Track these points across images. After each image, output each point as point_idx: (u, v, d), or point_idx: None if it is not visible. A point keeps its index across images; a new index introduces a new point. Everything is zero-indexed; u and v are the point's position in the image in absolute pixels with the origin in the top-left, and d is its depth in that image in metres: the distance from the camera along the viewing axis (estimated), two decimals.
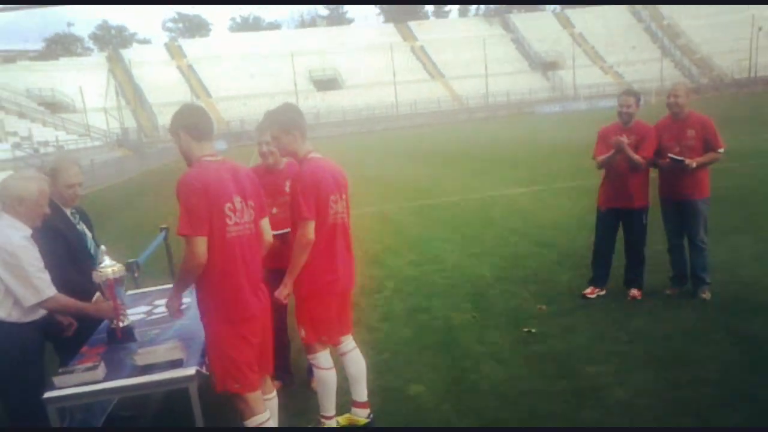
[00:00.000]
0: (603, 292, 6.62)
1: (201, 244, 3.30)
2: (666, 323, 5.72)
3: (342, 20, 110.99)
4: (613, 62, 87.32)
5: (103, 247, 4.07)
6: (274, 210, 4.57)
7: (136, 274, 5.84)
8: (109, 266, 3.90)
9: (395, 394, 4.85)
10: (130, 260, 5.88)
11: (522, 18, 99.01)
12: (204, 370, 3.40)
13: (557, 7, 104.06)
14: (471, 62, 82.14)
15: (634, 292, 6.46)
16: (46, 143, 41.82)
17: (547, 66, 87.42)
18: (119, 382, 3.29)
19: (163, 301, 4.80)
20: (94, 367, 3.27)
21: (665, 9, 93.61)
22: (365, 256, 9.55)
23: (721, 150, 6.10)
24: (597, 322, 5.91)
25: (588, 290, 6.63)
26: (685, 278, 6.46)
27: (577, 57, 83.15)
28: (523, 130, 39.47)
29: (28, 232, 3.77)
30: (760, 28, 72.89)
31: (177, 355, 3.39)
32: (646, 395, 4.44)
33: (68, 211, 4.46)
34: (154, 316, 4.50)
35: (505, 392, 4.69)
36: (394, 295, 7.49)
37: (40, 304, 3.67)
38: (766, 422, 4.04)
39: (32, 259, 3.64)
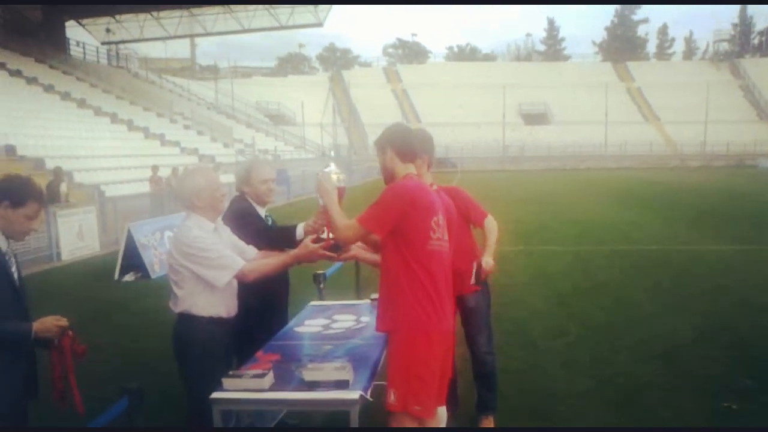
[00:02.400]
0: None
1: (360, 234, 3.54)
2: None
3: (558, 56, 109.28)
4: None
5: (332, 152, 4.06)
6: None
7: (321, 286, 5.95)
8: (333, 172, 3.84)
9: None
10: (318, 272, 6.02)
11: (756, 63, 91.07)
12: (368, 396, 3.28)
13: None
14: (690, 107, 76.87)
15: None
16: (265, 151, 44.95)
17: None
18: (282, 394, 3.25)
19: (342, 317, 4.83)
20: (262, 375, 3.27)
21: None
22: (553, 296, 9.14)
23: None
24: None
25: None
26: None
27: None
28: (742, 183, 36.17)
29: (210, 226, 3.85)
30: None
31: (344, 376, 3.30)
32: None
33: (263, 212, 4.58)
34: (330, 331, 4.49)
35: None
36: (577, 342, 7.03)
37: (239, 278, 3.74)
38: None
39: (211, 244, 3.71)
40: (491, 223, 4.79)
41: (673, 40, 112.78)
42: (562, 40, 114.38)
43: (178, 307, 3.81)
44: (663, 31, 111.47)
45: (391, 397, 3.39)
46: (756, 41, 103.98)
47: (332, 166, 3.91)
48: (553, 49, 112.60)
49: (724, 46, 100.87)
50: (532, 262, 11.90)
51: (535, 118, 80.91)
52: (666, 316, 7.96)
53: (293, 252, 3.94)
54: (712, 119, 72.86)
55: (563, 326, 7.58)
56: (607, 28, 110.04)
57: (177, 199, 4.03)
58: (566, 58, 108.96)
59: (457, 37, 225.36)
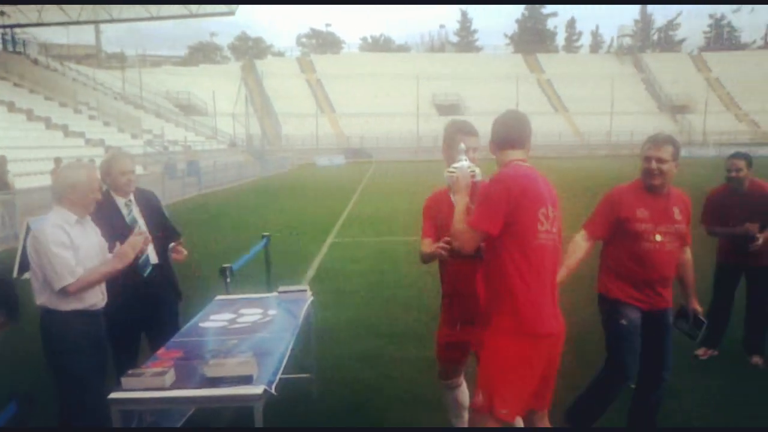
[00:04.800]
0: (716, 353, 6.04)
1: (476, 238, 3.24)
2: None
3: (471, 48, 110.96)
4: (750, 110, 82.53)
5: (463, 145, 3.79)
6: (658, 237, 4.15)
7: (228, 280, 5.83)
8: (468, 167, 3.60)
9: None
10: (225, 265, 5.89)
11: (656, 58, 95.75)
12: (273, 390, 3.23)
13: (694, 49, 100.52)
14: (597, 99, 79.86)
15: (756, 359, 5.87)
16: (175, 142, 43.92)
17: (676, 109, 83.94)
18: (184, 392, 3.17)
19: (249, 311, 4.74)
20: (163, 373, 3.18)
21: None
22: None
23: None
24: (709, 389, 5.35)
25: (700, 351, 6.01)
26: None
27: (710, 102, 79.43)
28: None
29: (73, 219, 3.77)
30: None
31: (248, 370, 3.23)
32: None
33: (122, 201, 4.56)
34: (236, 326, 4.40)
35: None
36: None
37: (66, 289, 3.63)
38: None
39: (56, 243, 3.61)
40: (689, 254, 4.48)
41: (580, 33, 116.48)
42: (475, 32, 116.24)
43: (37, 300, 3.76)
44: (571, 24, 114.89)
45: (479, 397, 3.23)
46: (655, 37, 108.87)
47: (465, 161, 3.66)
48: (466, 40, 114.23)
49: (628, 41, 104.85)
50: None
51: (448, 109, 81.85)
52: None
53: (112, 256, 3.89)
54: (617, 110, 75.83)
55: None
56: (518, 21, 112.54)
57: (52, 189, 3.93)
58: (479, 49, 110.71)
59: (372, 27, 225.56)
